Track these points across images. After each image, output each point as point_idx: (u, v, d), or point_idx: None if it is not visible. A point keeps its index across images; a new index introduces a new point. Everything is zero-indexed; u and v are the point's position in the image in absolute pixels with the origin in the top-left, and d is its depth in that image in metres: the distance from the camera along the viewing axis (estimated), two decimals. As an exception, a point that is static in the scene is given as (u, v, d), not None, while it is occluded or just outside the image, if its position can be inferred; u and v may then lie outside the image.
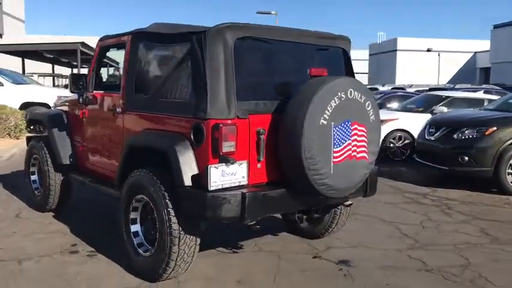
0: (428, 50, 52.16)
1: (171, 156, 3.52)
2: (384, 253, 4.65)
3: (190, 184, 3.44)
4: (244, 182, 3.53)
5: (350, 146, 3.69)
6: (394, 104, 12.69)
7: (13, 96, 11.68)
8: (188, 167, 3.46)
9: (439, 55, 51.30)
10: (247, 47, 3.67)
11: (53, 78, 26.37)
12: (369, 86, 28.32)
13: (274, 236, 5.03)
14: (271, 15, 29.30)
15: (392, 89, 21.11)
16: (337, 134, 3.58)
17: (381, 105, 12.27)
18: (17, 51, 19.98)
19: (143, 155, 3.92)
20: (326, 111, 3.48)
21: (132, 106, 4.23)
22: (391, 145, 10.22)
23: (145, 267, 3.83)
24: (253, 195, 3.43)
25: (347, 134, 3.65)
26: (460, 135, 7.57)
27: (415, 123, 9.89)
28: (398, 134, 10.27)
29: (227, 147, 3.40)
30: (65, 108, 5.63)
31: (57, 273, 4.02)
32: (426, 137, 8.22)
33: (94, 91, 4.92)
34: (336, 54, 4.32)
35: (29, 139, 6.06)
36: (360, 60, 64.33)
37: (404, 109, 11.26)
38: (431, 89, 18.62)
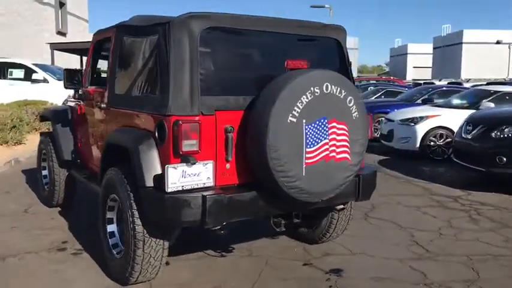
0: (498, 42, 49.23)
1: (132, 155, 3.35)
2: (385, 263, 4.25)
3: (152, 185, 3.25)
4: (210, 183, 3.28)
5: (327, 146, 3.34)
6: (440, 100, 11.90)
7: (57, 92, 12.03)
8: (150, 166, 3.26)
9: (509, 47, 48.34)
10: (216, 38, 3.40)
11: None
12: (425, 81, 27.05)
13: (272, 240, 4.75)
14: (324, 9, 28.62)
15: (448, 83, 19.91)
16: (311, 133, 3.25)
17: (428, 101, 11.56)
18: (75, 49, 20.63)
19: (118, 152, 3.77)
20: (295, 108, 3.16)
21: (113, 102, 4.11)
22: (432, 143, 9.56)
23: (117, 269, 3.69)
24: (215, 198, 3.18)
25: (323, 132, 3.31)
26: (498, 133, 6.89)
27: (458, 120, 9.17)
28: (440, 132, 9.58)
29: (188, 146, 3.17)
30: (72, 104, 5.62)
31: (33, 271, 3.97)
32: (463, 136, 7.56)
33: (89, 87, 4.85)
34: (327, 45, 3.96)
35: (41, 134, 6.13)
36: (424, 54, 61.96)
37: (449, 105, 10.51)
38: (488, 83, 17.39)
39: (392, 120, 10.14)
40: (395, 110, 11.05)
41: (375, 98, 15.64)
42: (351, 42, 38.95)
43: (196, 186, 3.22)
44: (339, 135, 3.38)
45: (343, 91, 3.35)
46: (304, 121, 3.20)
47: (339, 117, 3.36)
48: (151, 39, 3.52)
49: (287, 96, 3.14)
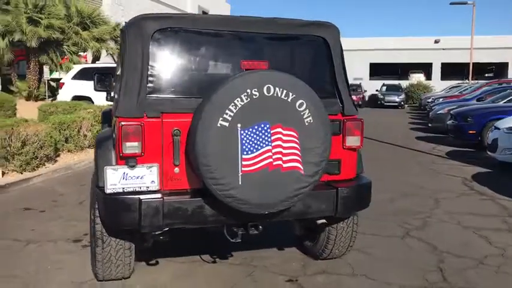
0: None
1: (95, 155, 3.46)
2: (383, 289, 3.75)
3: (101, 185, 3.30)
4: (155, 187, 3.21)
5: (270, 153, 3.04)
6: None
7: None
8: (103, 166, 3.32)
9: None
10: (169, 40, 3.30)
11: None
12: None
13: (279, 251, 4.51)
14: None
15: None
16: (248, 139, 2.99)
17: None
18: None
19: None
20: (227, 112, 2.94)
21: (111, 100, 4.30)
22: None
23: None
24: (150, 202, 3.11)
25: (264, 139, 3.02)
26: None
27: None
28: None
29: (129, 148, 3.15)
30: None
31: (40, 258, 4.30)
32: None
33: None
34: (308, 44, 3.61)
35: None
36: None
37: None
38: None
39: (499, 128, 8.89)
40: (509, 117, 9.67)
41: (504, 102, 13.86)
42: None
43: (139, 189, 3.19)
44: (285, 142, 3.06)
45: (290, 94, 3.03)
46: (239, 126, 2.97)
47: (285, 122, 3.05)
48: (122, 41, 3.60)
49: (219, 99, 2.94)
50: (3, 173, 7.20)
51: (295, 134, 3.07)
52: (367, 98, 35.03)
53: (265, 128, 3.01)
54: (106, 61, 18.21)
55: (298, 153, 3.10)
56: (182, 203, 3.19)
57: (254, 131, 3.00)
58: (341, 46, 3.69)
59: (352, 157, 3.67)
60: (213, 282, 3.86)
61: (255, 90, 2.96)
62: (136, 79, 3.21)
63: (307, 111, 3.08)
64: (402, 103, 32.07)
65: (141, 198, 3.12)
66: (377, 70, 40.44)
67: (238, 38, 3.44)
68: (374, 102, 33.10)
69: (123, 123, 3.15)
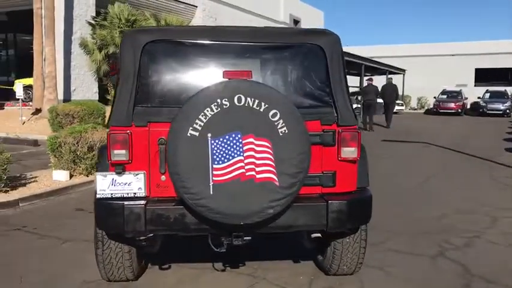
0: None
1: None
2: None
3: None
4: (142, 193, 3.31)
5: (242, 164, 3.00)
6: None
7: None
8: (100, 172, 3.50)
9: None
10: (162, 51, 3.39)
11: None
12: None
13: (293, 263, 4.41)
14: None
15: None
16: (218, 149, 2.98)
17: None
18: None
19: None
20: (197, 121, 2.95)
21: None
22: None
23: None
24: (132, 208, 3.22)
25: (235, 149, 2.99)
26: None
27: None
28: None
29: (116, 155, 3.29)
30: None
31: (69, 256, 4.62)
32: None
33: None
34: (307, 53, 3.50)
35: None
36: None
37: None
38: None
39: None
40: None
41: None
42: None
43: (126, 195, 3.31)
44: (258, 152, 3.00)
45: (263, 104, 2.97)
46: (209, 135, 2.97)
47: (258, 132, 2.99)
48: None
49: (189, 108, 2.98)
50: (71, 176, 7.82)
51: (268, 145, 3.01)
52: (468, 106, 32.84)
53: (237, 138, 2.99)
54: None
55: (272, 163, 3.03)
56: (164, 210, 3.26)
57: (225, 140, 2.99)
58: (340, 54, 3.54)
59: (350, 169, 3.49)
60: (212, 290, 3.88)
61: (225, 100, 2.96)
62: (128, 89, 3.35)
63: (281, 121, 3.00)
64: (508, 111, 29.51)
65: (124, 204, 3.24)
66: (483, 76, 37.81)
67: (226, 48, 3.44)
68: (476, 110, 30.93)
69: (111, 131, 3.30)
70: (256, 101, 2.97)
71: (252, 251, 4.44)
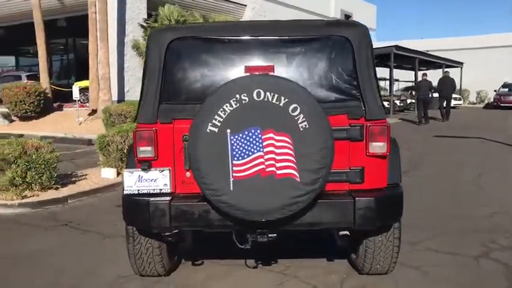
0: None
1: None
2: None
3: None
4: (167, 190, 3.35)
5: (262, 160, 2.96)
6: None
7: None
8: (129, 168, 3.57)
9: None
10: (185, 48, 3.41)
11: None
12: None
13: (328, 262, 4.32)
14: None
15: None
16: (238, 144, 2.95)
17: None
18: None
19: None
20: (216, 117, 2.94)
21: None
22: None
23: None
24: (157, 204, 3.26)
25: (256, 144, 2.95)
26: None
27: None
28: None
29: (142, 152, 3.35)
30: None
31: (108, 251, 4.76)
32: None
33: None
34: (333, 46, 3.41)
35: None
36: None
37: None
38: None
39: None
40: None
41: None
42: None
43: (152, 191, 3.36)
44: (278, 148, 2.95)
45: (283, 98, 2.92)
46: (228, 131, 2.95)
47: (278, 127, 2.94)
48: None
49: (208, 104, 2.98)
50: (118, 173, 8.06)
51: (288, 140, 2.95)
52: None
53: (256, 134, 2.95)
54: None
55: (293, 159, 2.97)
56: (189, 206, 3.27)
57: (244, 136, 2.96)
58: (369, 46, 3.42)
59: (379, 165, 3.37)
60: (239, 287, 3.87)
61: (244, 95, 2.93)
62: (153, 87, 3.39)
63: (301, 116, 2.94)
64: None
65: (150, 200, 3.29)
66: None
67: (249, 43, 3.41)
68: None
69: (137, 129, 3.36)
70: (276, 95, 2.93)
71: (285, 248, 4.41)
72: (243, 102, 2.94)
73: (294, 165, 2.97)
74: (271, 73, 3.17)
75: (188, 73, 3.41)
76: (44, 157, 6.88)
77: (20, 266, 4.42)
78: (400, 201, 3.43)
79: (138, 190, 3.38)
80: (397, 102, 25.44)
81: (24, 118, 17.28)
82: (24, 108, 16.79)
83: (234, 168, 2.99)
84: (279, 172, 2.98)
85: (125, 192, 3.39)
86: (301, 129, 2.95)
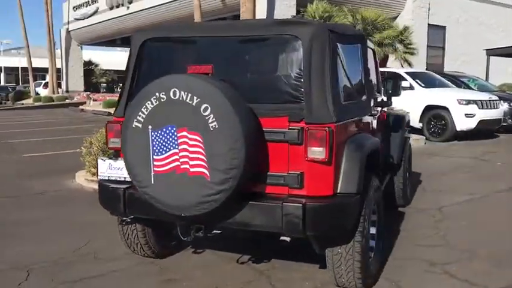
0: None
1: None
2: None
3: None
4: (130, 178, 3.65)
5: (177, 157, 3.05)
6: None
7: (420, 98, 12.22)
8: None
9: None
10: (156, 49, 3.67)
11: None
12: None
13: (314, 266, 4.15)
14: None
15: None
16: (158, 141, 3.10)
17: None
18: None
19: None
20: (140, 113, 3.13)
21: None
22: None
23: None
24: (115, 190, 3.58)
25: (172, 141, 3.06)
26: None
27: None
28: None
29: (112, 143, 3.72)
30: None
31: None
32: None
33: None
34: (282, 45, 3.31)
35: None
36: None
37: None
38: None
39: None
40: None
41: None
42: None
43: (119, 179, 3.70)
44: (191, 146, 3.01)
45: (195, 98, 2.96)
46: (150, 127, 3.12)
47: (190, 126, 3.00)
48: None
49: (136, 101, 3.19)
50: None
51: (199, 139, 3.00)
52: None
53: (172, 131, 3.07)
54: (393, 66, 18.23)
55: (204, 158, 3.01)
56: (138, 194, 3.51)
57: (163, 133, 3.10)
58: (325, 44, 3.23)
59: (321, 171, 3.18)
60: (214, 278, 3.99)
61: (162, 94, 3.07)
62: (128, 84, 3.74)
63: (211, 115, 2.96)
64: None
65: (110, 186, 3.64)
66: None
67: (206, 43, 3.52)
68: None
69: (108, 122, 3.75)
70: (190, 95, 3.00)
71: (289, 249, 4.32)
72: (162, 100, 3.08)
73: (205, 164, 3.02)
74: (210, 73, 3.23)
75: (146, 72, 3.67)
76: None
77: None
78: (346, 212, 3.19)
79: (109, 177, 3.76)
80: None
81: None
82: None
83: (155, 163, 3.16)
84: (192, 170, 3.06)
85: (99, 177, 3.80)
86: (211, 129, 2.97)
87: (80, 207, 6.27)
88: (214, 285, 3.86)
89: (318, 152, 3.11)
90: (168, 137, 3.10)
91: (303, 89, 3.20)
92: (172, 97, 3.05)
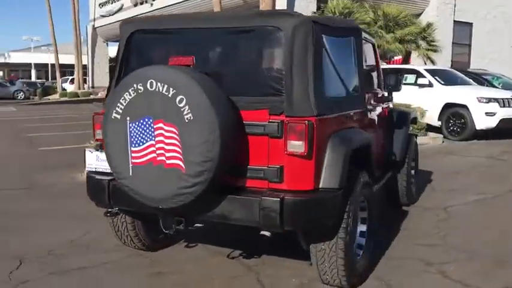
0: None
1: None
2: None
3: None
4: None
5: (154, 148, 3.03)
6: None
7: (438, 96, 11.93)
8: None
9: None
10: (147, 40, 3.67)
11: None
12: None
13: (304, 264, 4.06)
14: None
15: None
16: (135, 132, 3.08)
17: None
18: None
19: None
20: (119, 104, 3.11)
21: None
22: None
23: None
24: (97, 181, 3.60)
25: (148, 133, 3.03)
26: None
27: None
28: None
29: (98, 134, 3.71)
30: None
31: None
32: None
33: None
34: (264, 37, 3.27)
35: None
36: None
37: None
38: None
39: None
40: None
41: None
42: None
43: (105, 171, 3.69)
44: (167, 138, 2.97)
45: (171, 89, 2.92)
46: (128, 119, 3.10)
47: (166, 118, 2.96)
48: None
49: (115, 92, 3.18)
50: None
51: (175, 131, 2.97)
52: None
53: (149, 123, 3.05)
54: (416, 63, 17.88)
55: (180, 150, 2.98)
56: (119, 185, 3.47)
57: (140, 124, 3.08)
58: (308, 36, 3.16)
59: (301, 165, 3.11)
60: (201, 271, 3.97)
61: (140, 85, 3.04)
62: (115, 76, 3.74)
63: (186, 107, 2.92)
64: None
65: (95, 177, 3.65)
66: None
67: (189, 34, 3.49)
68: None
69: (95, 113, 3.75)
70: (166, 86, 2.96)
71: (285, 245, 4.27)
72: (139, 91, 3.05)
73: (181, 156, 2.98)
74: (190, 65, 3.20)
75: (131, 63, 3.66)
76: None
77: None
78: (327, 207, 3.11)
79: (96, 168, 3.77)
80: None
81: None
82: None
83: (132, 155, 3.14)
84: (167, 162, 3.03)
85: (86, 169, 3.82)
86: (186, 120, 2.93)
87: (85, 200, 6.31)
88: (202, 278, 3.83)
89: (297, 145, 3.04)
90: (145, 128, 3.08)
91: (284, 82, 3.14)
92: (149, 88, 3.03)
